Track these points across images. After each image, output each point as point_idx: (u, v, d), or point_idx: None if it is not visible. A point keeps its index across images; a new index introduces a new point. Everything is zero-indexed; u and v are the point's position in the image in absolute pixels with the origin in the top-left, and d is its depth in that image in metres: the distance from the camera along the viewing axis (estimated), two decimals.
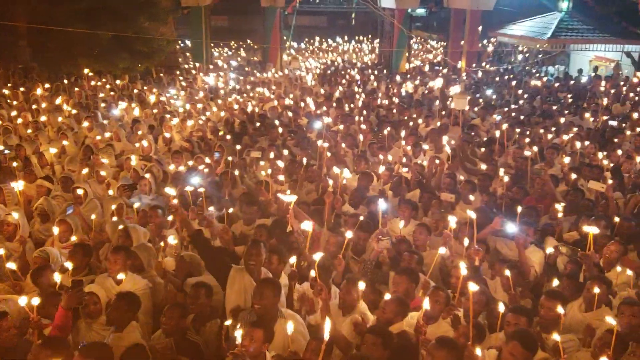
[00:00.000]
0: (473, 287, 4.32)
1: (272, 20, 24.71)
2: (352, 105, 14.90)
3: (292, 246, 6.13)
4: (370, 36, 35.53)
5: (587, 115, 13.58)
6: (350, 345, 4.71)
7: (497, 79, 20.82)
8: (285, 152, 9.91)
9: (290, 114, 13.68)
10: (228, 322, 4.51)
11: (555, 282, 5.75)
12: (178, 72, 21.49)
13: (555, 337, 4.05)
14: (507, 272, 5.44)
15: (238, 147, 10.36)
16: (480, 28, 23.67)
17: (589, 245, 5.78)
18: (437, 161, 8.96)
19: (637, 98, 16.02)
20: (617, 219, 6.88)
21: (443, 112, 13.81)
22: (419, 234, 6.42)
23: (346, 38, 35.54)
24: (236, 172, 8.57)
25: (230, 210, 6.95)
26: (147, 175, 8.19)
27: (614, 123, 12.55)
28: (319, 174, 8.71)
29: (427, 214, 7.58)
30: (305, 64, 26.94)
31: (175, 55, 25.40)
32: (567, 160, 9.15)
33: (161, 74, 20.70)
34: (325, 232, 6.48)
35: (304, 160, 9.04)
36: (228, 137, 11.37)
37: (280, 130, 11.64)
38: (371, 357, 4.27)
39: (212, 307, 5.20)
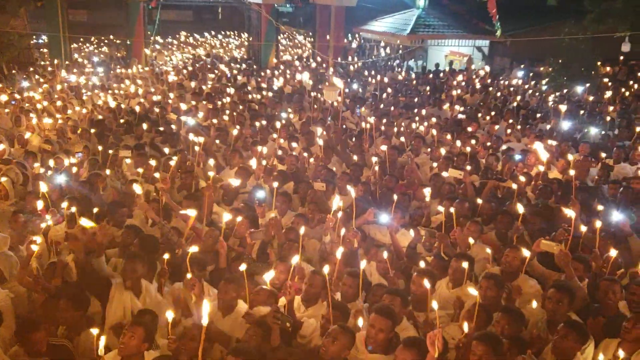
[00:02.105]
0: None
1: (135, 14, 23.66)
2: (223, 101, 14.70)
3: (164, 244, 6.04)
4: (237, 31, 35.31)
5: (445, 107, 14.58)
6: (231, 340, 4.72)
7: (366, 72, 21.57)
8: (166, 150, 9.57)
9: (157, 110, 13.22)
10: (95, 331, 4.27)
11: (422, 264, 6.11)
12: (32, 69, 19.86)
13: (434, 304, 4.34)
14: (385, 254, 5.72)
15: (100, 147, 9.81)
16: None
17: (443, 226, 6.30)
18: (305, 154, 9.20)
19: (490, 88, 17.40)
20: (479, 201, 7.48)
21: (315, 106, 14.09)
22: (297, 225, 6.51)
23: (213, 33, 35.02)
24: (107, 172, 8.19)
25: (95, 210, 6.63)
26: (4, 179, 7.51)
27: (462, 116, 13.50)
28: (192, 170, 8.56)
29: (304, 205, 7.72)
30: (172, 58, 26.17)
31: (30, 51, 23.54)
32: (443, 151, 9.70)
33: (14, 71, 19.03)
34: (204, 227, 6.41)
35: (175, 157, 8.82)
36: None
37: (145, 126, 11.19)
38: (254, 346, 4.35)
39: (88, 318, 4.94)
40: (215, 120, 12.13)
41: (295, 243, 5.88)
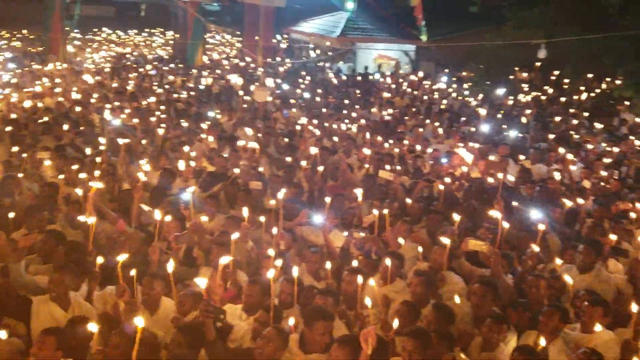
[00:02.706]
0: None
1: (52, 8, 22.45)
2: (148, 100, 14.26)
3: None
4: (162, 29, 34.45)
5: (373, 109, 14.82)
6: (158, 346, 4.60)
7: (301, 74, 21.50)
8: (88, 150, 9.19)
9: (78, 109, 12.64)
10: (3, 334, 4.09)
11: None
12: None
13: (367, 302, 4.42)
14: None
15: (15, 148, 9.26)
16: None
17: (376, 227, 6.43)
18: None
19: (415, 92, 17.84)
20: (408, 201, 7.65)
21: (245, 106, 13.96)
22: (230, 227, 6.40)
23: (136, 30, 34.00)
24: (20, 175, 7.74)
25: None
26: None
27: (388, 118, 13.77)
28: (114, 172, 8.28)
29: (233, 207, 7.62)
30: (93, 56, 25.17)
31: None
32: (367, 151, 9.82)
33: None
34: (133, 229, 6.23)
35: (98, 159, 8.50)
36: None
37: (66, 127, 10.68)
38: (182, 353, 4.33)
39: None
40: (137, 120, 11.70)
41: (225, 247, 5.78)
